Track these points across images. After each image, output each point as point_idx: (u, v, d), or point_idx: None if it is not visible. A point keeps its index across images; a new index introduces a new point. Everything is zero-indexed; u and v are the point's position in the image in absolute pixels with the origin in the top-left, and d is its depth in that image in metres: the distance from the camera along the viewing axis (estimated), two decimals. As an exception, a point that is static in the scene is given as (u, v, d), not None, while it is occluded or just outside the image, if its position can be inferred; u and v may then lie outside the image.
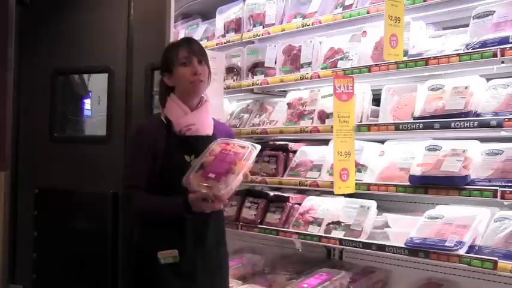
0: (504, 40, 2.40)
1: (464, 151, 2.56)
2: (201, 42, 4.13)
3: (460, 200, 2.60)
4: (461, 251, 2.40)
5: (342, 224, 2.95)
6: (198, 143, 2.41)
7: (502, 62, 2.42)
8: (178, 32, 4.33)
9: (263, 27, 3.60)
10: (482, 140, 2.62)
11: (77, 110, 4.21)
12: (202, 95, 2.53)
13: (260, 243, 3.82)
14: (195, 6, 4.37)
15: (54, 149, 3.64)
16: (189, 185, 2.24)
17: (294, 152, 3.44)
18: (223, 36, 3.92)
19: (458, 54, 2.53)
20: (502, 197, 2.33)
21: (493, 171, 2.47)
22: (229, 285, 2.69)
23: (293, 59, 3.44)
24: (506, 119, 2.33)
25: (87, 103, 4.26)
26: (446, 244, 2.44)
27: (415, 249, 2.55)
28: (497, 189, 2.34)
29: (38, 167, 3.68)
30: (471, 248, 2.42)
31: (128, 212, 3.02)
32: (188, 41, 2.54)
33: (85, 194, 3.46)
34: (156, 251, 2.36)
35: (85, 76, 4.04)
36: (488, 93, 2.54)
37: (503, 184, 2.36)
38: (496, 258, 2.29)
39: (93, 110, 4.22)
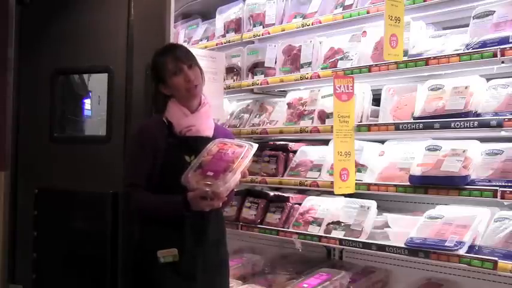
0: (504, 40, 2.40)
1: (464, 151, 2.56)
2: (201, 42, 4.17)
3: (460, 200, 2.61)
4: (461, 251, 2.40)
5: (342, 224, 2.95)
6: (198, 144, 2.41)
7: (502, 62, 2.42)
8: (178, 32, 4.33)
9: (263, 27, 3.60)
10: (482, 140, 2.62)
11: (77, 110, 4.20)
12: (201, 95, 2.53)
13: (260, 243, 3.82)
14: (195, 6, 4.37)
15: (54, 149, 3.63)
16: (188, 183, 2.25)
17: (294, 152, 3.44)
18: (223, 36, 3.92)
19: (458, 54, 2.53)
20: (502, 197, 2.33)
21: (493, 171, 2.47)
22: (230, 285, 2.69)
23: (293, 59, 3.43)
24: (506, 119, 2.33)
25: (87, 103, 4.25)
26: (446, 244, 2.44)
27: (415, 249, 2.55)
28: (497, 189, 2.34)
29: (38, 167, 3.67)
30: (471, 248, 2.42)
31: (128, 211, 3.02)
32: (172, 49, 2.53)
33: (85, 194, 3.44)
34: (155, 250, 2.37)
35: (85, 76, 4.03)
36: (488, 93, 2.54)
37: (503, 184, 2.36)
38: (496, 258, 2.29)
39: (93, 110, 4.20)
